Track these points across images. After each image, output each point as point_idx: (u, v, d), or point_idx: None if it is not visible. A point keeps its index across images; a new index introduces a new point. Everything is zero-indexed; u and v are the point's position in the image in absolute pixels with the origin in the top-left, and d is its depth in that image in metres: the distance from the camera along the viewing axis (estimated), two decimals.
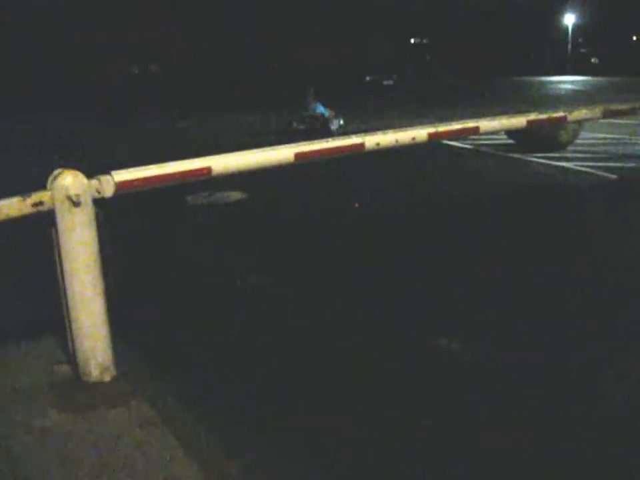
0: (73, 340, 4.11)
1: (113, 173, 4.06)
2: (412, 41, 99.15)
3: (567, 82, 51.23)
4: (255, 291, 5.67)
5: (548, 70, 63.05)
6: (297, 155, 4.89)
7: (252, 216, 8.43)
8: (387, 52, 67.27)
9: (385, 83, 46.99)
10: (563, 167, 11.04)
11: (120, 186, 4.06)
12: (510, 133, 13.89)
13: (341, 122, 19.04)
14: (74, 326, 4.06)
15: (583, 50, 71.72)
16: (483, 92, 34.28)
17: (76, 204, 3.85)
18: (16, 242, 6.04)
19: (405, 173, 11.02)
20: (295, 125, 18.70)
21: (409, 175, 10.92)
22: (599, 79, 55.23)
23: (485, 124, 6.24)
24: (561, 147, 12.40)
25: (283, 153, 4.85)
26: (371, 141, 5.34)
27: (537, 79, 56.89)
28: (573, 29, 67.68)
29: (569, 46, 66.55)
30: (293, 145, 4.91)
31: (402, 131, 5.56)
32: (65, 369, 4.30)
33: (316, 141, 5.06)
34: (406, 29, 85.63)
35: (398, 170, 11.12)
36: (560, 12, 68.52)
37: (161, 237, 7.46)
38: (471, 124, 6.12)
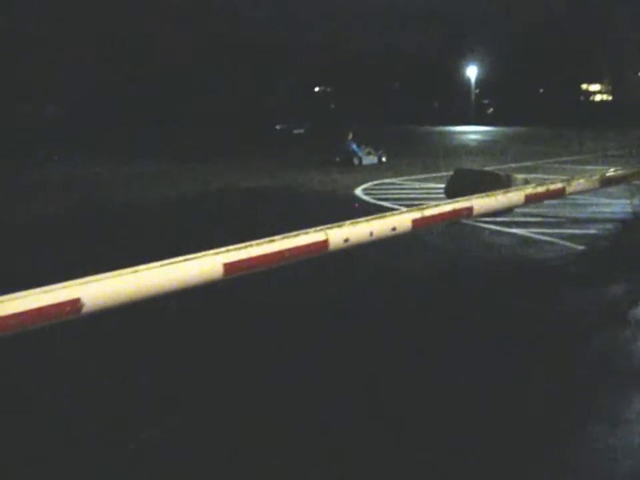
0: None
1: None
2: (316, 89, 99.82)
3: (472, 132, 51.63)
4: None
5: (453, 120, 63.98)
6: (229, 268, 3.02)
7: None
8: (293, 100, 66.70)
9: (296, 132, 45.63)
10: (520, 236, 9.56)
11: None
12: (450, 192, 12.48)
13: (383, 159, 23.46)
14: None
15: (485, 101, 73.34)
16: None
17: None
18: None
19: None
20: (332, 158, 23.26)
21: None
22: (500, 128, 56.29)
23: (479, 202, 4.58)
24: (510, 209, 10.98)
25: (202, 266, 2.97)
26: (337, 235, 3.54)
27: (443, 128, 57.29)
28: (475, 81, 69.06)
29: (472, 97, 67.76)
30: (221, 250, 3.05)
31: (379, 218, 3.81)
32: None
33: (256, 242, 3.21)
34: (310, 78, 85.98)
35: None
36: (464, 64, 69.93)
37: None
38: (463, 204, 4.44)
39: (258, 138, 38.51)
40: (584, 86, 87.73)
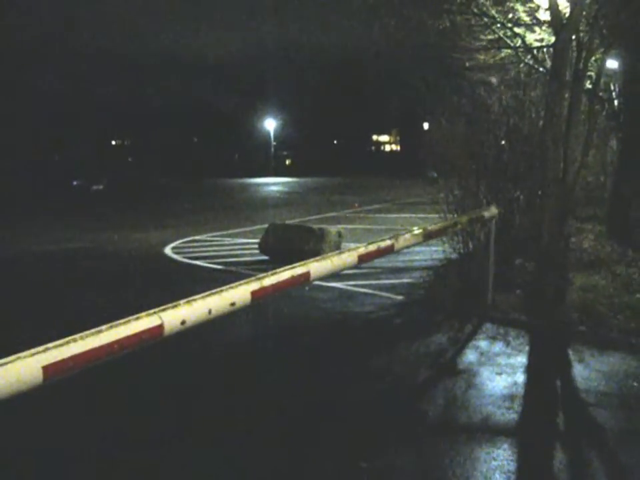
0: None
1: None
2: (113, 142, 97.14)
3: (274, 184, 52.61)
4: None
5: (253, 172, 65.03)
6: (50, 370, 2.45)
7: None
8: (89, 154, 64.36)
9: (94, 187, 43.71)
10: (340, 290, 9.48)
11: None
12: (265, 247, 12.29)
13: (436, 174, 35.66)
14: None
15: (285, 152, 75.47)
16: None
17: None
18: None
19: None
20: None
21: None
22: (299, 179, 58.10)
23: (315, 266, 4.32)
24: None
25: (15, 373, 2.37)
26: (172, 318, 3.08)
27: (246, 181, 57.93)
28: (274, 133, 70.81)
29: (272, 149, 69.37)
30: (38, 349, 2.48)
31: (216, 294, 3.39)
32: None
33: (79, 335, 2.66)
34: (107, 131, 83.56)
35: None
36: (263, 117, 71.51)
37: None
38: (300, 269, 4.15)
39: (52, 196, 36.44)
40: (375, 137, 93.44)
